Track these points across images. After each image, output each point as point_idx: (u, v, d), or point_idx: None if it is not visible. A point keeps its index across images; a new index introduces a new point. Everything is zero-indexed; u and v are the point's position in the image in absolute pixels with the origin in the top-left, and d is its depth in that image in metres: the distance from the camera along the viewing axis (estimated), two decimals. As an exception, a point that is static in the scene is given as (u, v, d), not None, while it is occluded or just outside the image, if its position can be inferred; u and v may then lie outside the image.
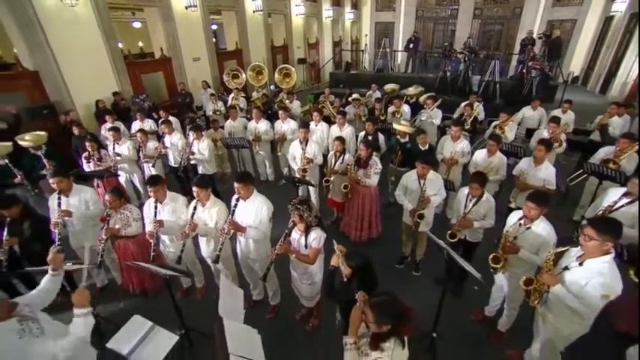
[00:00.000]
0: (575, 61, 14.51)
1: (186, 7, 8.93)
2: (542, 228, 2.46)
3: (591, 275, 2.00)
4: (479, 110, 5.92)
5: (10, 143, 4.54)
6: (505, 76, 11.02)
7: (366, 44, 16.72)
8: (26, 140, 4.48)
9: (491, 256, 2.69)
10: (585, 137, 5.52)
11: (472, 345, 3.06)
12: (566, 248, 2.22)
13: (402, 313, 1.64)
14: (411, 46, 12.01)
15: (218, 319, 1.97)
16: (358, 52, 17.92)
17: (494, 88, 9.02)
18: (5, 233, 2.95)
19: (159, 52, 9.27)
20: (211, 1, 9.81)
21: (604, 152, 4.16)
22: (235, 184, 2.77)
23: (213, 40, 10.69)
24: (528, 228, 2.51)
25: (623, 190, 3.08)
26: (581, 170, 3.98)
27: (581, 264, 2.09)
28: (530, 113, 6.06)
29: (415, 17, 17.79)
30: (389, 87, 8.12)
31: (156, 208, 3.06)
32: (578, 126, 6.25)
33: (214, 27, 12.33)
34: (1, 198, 3.27)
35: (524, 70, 8.28)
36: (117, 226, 3.19)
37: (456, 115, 6.01)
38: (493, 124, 5.15)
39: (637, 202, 2.85)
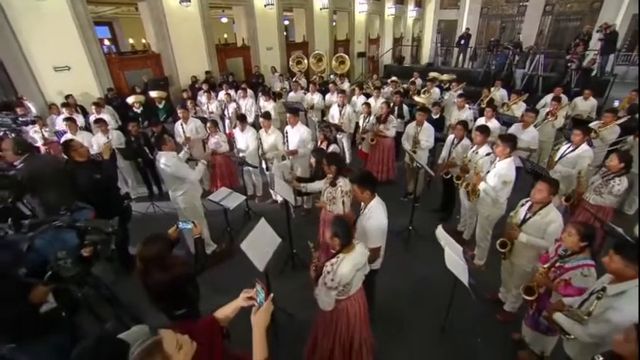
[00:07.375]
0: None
1: (265, 5, 10.91)
2: (484, 150, 3.61)
3: (499, 171, 3.19)
4: (501, 94, 6.78)
5: (143, 97, 6.84)
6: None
7: (420, 40, 17.36)
8: (156, 93, 6.72)
9: (455, 175, 3.89)
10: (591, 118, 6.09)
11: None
12: (490, 152, 3.41)
13: (340, 159, 3.07)
14: (462, 42, 12.59)
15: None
16: (418, 48, 18.63)
17: (538, 81, 9.41)
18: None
19: (240, 41, 11.43)
20: (285, -1, 11.71)
21: (592, 125, 4.91)
22: (287, 115, 4.37)
23: (284, 33, 12.58)
24: (476, 152, 3.67)
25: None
26: (563, 138, 4.82)
27: (494, 166, 3.25)
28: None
29: (480, 15, 17.81)
30: (431, 75, 9.15)
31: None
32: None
33: (286, 22, 14.24)
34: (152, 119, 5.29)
35: (568, 64, 8.60)
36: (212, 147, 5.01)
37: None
38: (505, 101, 6.05)
39: (577, 150, 3.78)
